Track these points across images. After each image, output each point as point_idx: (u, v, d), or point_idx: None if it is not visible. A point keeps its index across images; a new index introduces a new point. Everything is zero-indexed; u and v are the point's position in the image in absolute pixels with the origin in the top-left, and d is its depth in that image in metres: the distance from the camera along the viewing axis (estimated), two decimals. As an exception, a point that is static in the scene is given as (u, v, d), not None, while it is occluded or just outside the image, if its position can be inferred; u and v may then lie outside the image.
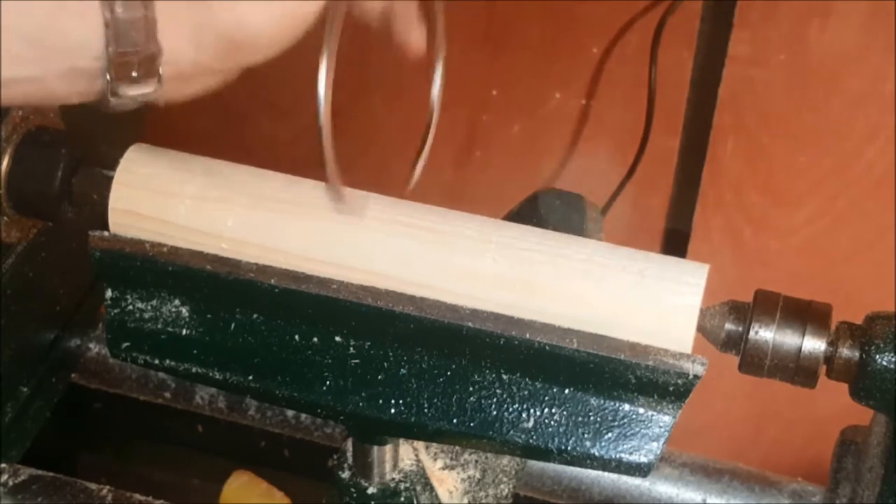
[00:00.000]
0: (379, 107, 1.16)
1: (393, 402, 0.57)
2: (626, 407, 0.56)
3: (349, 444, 0.64)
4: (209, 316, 0.59)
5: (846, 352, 0.57)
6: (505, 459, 0.71)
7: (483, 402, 0.57)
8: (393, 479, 0.64)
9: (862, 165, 1.06)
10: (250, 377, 0.58)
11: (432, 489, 0.67)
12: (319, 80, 0.50)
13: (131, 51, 0.47)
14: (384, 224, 0.56)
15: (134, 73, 0.47)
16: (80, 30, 0.46)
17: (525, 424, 0.56)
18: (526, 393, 0.56)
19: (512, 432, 0.56)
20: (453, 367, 0.57)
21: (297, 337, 0.58)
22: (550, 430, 0.56)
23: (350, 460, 0.64)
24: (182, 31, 0.48)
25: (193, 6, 0.48)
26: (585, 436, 0.56)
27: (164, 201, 0.57)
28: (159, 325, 0.59)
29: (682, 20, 1.02)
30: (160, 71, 0.48)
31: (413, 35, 0.58)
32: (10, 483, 0.73)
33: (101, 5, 0.46)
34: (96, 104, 0.49)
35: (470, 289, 0.55)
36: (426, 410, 0.57)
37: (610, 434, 0.56)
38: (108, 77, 0.47)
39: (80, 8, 0.46)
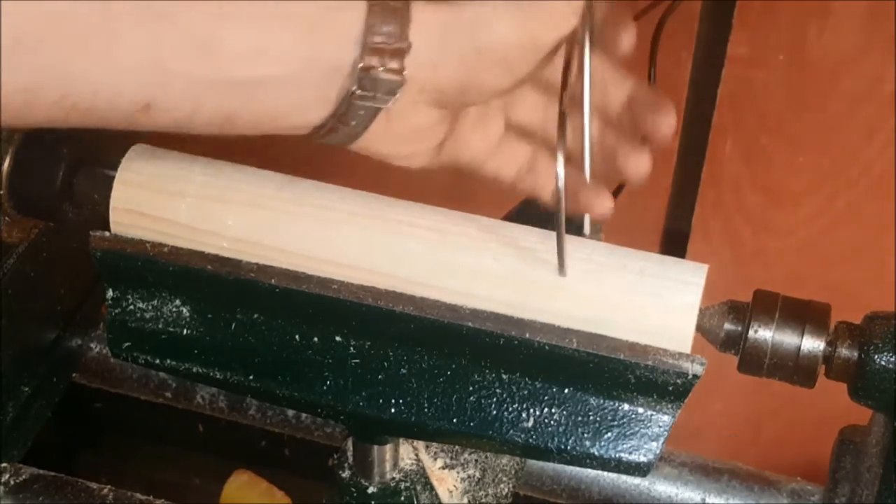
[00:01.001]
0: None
1: (393, 401, 0.57)
2: (626, 406, 0.56)
3: (349, 444, 0.64)
4: (210, 316, 0.59)
5: (845, 351, 0.58)
6: (504, 459, 0.71)
7: (483, 401, 0.57)
8: (393, 478, 0.64)
9: (861, 165, 1.06)
10: (251, 377, 0.59)
11: (432, 488, 0.67)
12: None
13: (385, 42, 0.49)
14: (385, 223, 0.56)
15: (382, 66, 0.49)
16: (346, 21, 0.49)
17: (525, 424, 0.56)
18: (526, 393, 0.56)
19: (512, 432, 0.57)
20: (453, 366, 0.57)
21: (297, 337, 0.58)
22: (550, 429, 0.56)
23: (350, 460, 0.64)
24: (432, 32, 0.50)
25: (449, 11, 0.50)
26: (585, 435, 0.56)
27: (165, 200, 0.58)
28: (160, 325, 0.59)
29: (680, 21, 1.02)
30: (405, 69, 0.50)
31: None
32: (12, 482, 0.73)
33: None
34: (333, 123, 0.52)
35: (470, 287, 0.55)
36: (426, 410, 0.57)
37: (609, 433, 0.56)
38: (360, 66, 0.49)
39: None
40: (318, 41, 0.49)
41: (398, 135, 0.54)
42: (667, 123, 0.59)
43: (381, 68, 0.49)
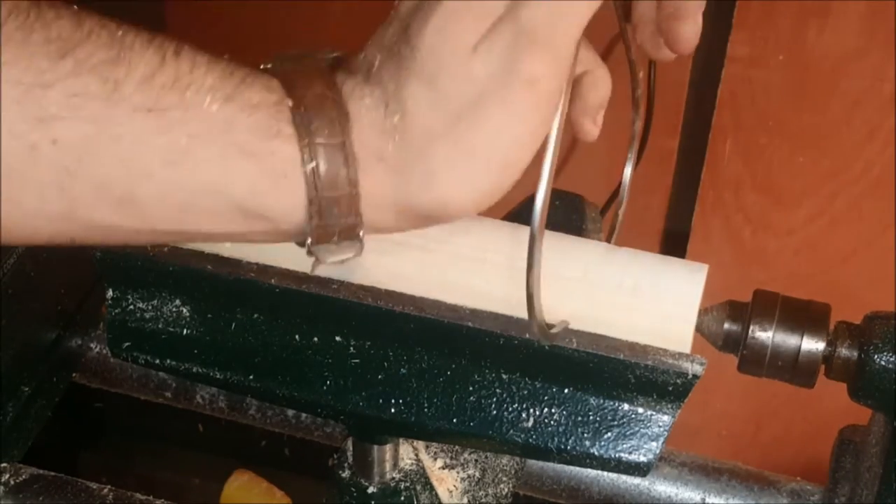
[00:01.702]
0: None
1: (393, 401, 0.57)
2: (626, 406, 0.56)
3: (349, 444, 0.64)
4: (210, 316, 0.59)
5: (845, 351, 0.58)
6: (504, 459, 0.71)
7: (483, 401, 0.57)
8: (393, 478, 0.64)
9: (861, 165, 1.06)
10: (251, 377, 0.59)
11: (432, 488, 0.67)
12: (535, 213, 0.47)
13: (332, 223, 0.46)
14: (377, 243, 0.56)
15: (334, 240, 0.46)
16: (285, 201, 0.45)
17: (525, 424, 0.56)
18: (525, 392, 0.56)
19: (511, 432, 0.57)
20: (453, 366, 0.57)
21: (297, 336, 0.58)
22: (550, 429, 0.56)
23: (350, 459, 0.64)
24: (384, 207, 0.46)
25: (396, 186, 0.46)
26: (585, 435, 0.56)
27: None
28: (160, 325, 0.59)
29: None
30: (360, 236, 0.47)
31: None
32: (12, 482, 0.73)
33: (305, 185, 0.45)
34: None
35: (470, 286, 0.55)
36: (426, 410, 0.57)
37: (609, 433, 0.56)
38: (308, 241, 0.47)
39: (285, 181, 0.45)
40: (256, 216, 0.46)
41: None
42: (687, 34, 0.56)
43: (334, 239, 0.46)
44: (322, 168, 0.45)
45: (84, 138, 0.43)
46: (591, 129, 0.58)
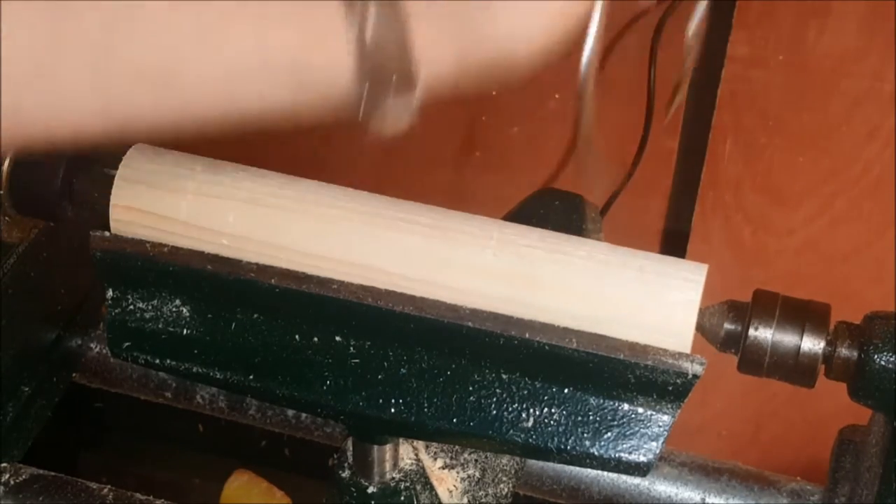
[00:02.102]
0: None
1: (393, 401, 0.57)
2: (626, 406, 0.56)
3: (349, 444, 0.64)
4: (210, 316, 0.59)
5: (845, 351, 0.58)
6: (504, 459, 0.71)
7: (483, 401, 0.57)
8: (393, 478, 0.64)
9: (861, 165, 1.06)
10: (251, 377, 0.59)
11: (432, 488, 0.67)
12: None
13: (385, 73, 0.43)
14: (385, 220, 0.56)
15: (392, 89, 0.44)
16: (330, 64, 0.43)
17: (524, 424, 0.56)
18: (526, 392, 0.56)
19: (511, 432, 0.57)
20: (453, 366, 0.57)
21: (297, 336, 0.58)
22: (550, 429, 0.56)
23: (350, 459, 0.64)
24: (442, 54, 0.44)
25: (454, 20, 0.43)
26: (585, 435, 0.56)
27: (165, 197, 0.58)
28: (160, 325, 0.59)
29: (681, 21, 1.02)
30: (417, 87, 0.44)
31: None
32: (12, 482, 0.73)
33: (355, 24, 0.43)
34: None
35: (471, 284, 0.55)
36: (426, 410, 0.57)
37: (609, 433, 0.56)
38: (364, 90, 0.44)
39: (326, 40, 0.43)
40: (305, 84, 0.44)
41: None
42: None
43: (391, 92, 0.44)
44: (371, 11, 0.42)
45: (112, 20, 0.41)
46: None
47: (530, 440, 0.56)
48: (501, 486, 0.71)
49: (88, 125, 0.44)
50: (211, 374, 0.59)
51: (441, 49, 0.44)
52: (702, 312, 0.56)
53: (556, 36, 0.46)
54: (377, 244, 0.56)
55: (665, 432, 0.56)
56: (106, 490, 0.73)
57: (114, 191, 0.58)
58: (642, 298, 0.54)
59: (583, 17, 0.46)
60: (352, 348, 0.57)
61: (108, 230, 0.59)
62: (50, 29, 0.41)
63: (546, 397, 0.56)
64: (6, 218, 0.64)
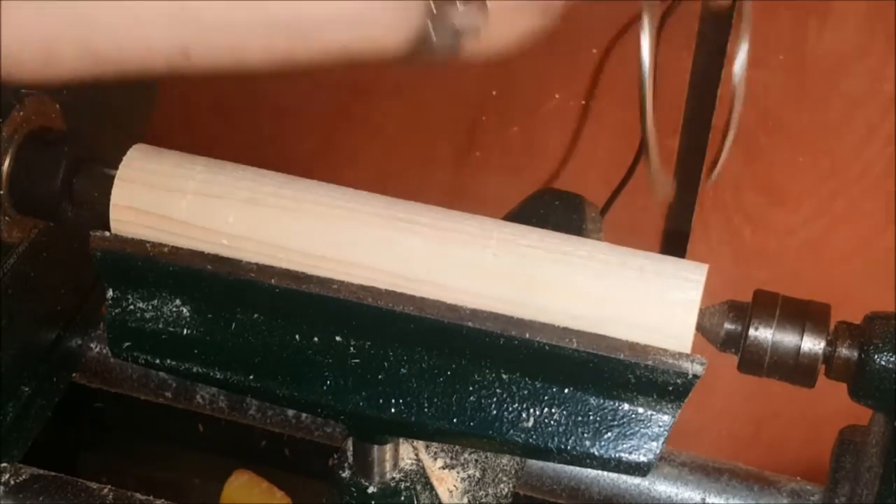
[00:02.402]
0: (379, 106, 1.16)
1: (393, 401, 0.57)
2: (626, 406, 0.56)
3: (349, 444, 0.64)
4: (210, 316, 0.59)
5: (845, 351, 0.58)
6: (505, 458, 0.71)
7: (483, 401, 0.57)
8: (393, 478, 0.64)
9: (860, 165, 1.06)
10: (251, 377, 0.59)
11: (432, 488, 0.67)
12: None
13: None
14: (385, 220, 0.56)
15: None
16: None
17: (525, 424, 0.56)
18: (526, 392, 0.56)
19: (512, 432, 0.57)
20: (453, 366, 0.57)
21: (297, 337, 0.58)
22: (550, 429, 0.56)
23: (350, 459, 0.64)
24: None
25: None
26: (585, 435, 0.56)
27: (165, 197, 0.58)
28: (160, 325, 0.59)
29: (681, 20, 1.02)
30: None
31: None
32: (12, 482, 0.73)
33: None
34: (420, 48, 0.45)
35: (471, 284, 0.55)
36: (426, 410, 0.57)
37: (609, 433, 0.56)
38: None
39: None
40: None
41: (491, 45, 0.48)
42: None
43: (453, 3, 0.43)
44: None
45: None
46: None
47: (530, 440, 0.56)
48: (501, 486, 0.71)
49: (159, 40, 0.43)
50: (211, 374, 0.59)
51: None
52: (702, 312, 0.56)
53: None
54: (377, 244, 0.56)
55: (665, 432, 0.56)
56: (106, 490, 0.73)
57: (114, 191, 0.58)
58: (642, 298, 0.54)
59: None
60: (352, 348, 0.57)
61: (108, 230, 0.59)
62: None
63: (546, 397, 0.56)
64: (6, 218, 0.64)
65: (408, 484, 0.65)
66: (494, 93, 1.12)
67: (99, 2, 0.41)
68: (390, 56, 0.46)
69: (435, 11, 0.44)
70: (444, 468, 0.68)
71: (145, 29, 0.42)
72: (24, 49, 0.42)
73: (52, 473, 0.75)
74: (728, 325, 0.58)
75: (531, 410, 0.56)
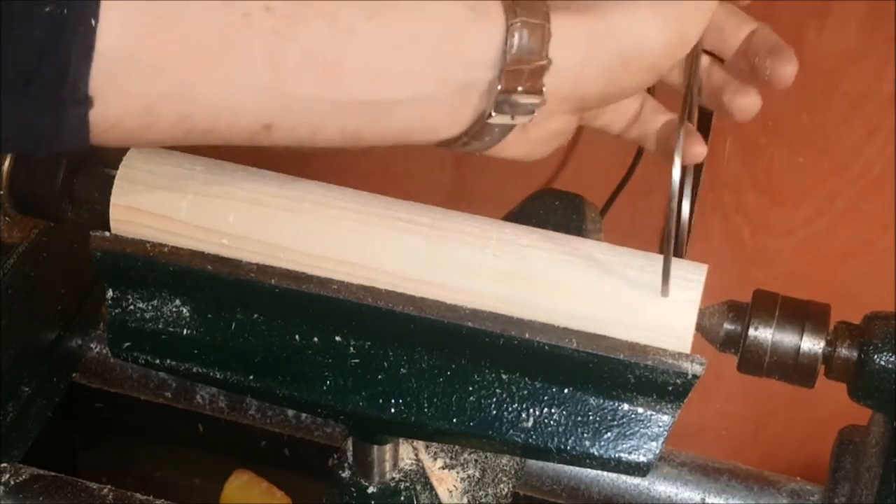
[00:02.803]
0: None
1: (393, 401, 0.57)
2: (626, 406, 0.56)
3: (349, 444, 0.64)
4: (210, 316, 0.59)
5: (844, 351, 0.58)
6: (504, 459, 0.71)
7: (483, 401, 0.57)
8: (393, 478, 0.64)
9: (860, 166, 1.06)
10: (251, 377, 0.59)
11: (432, 488, 0.67)
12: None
13: (525, 60, 0.46)
14: (385, 220, 0.56)
15: (520, 87, 0.47)
16: (481, 39, 0.46)
17: (524, 424, 0.56)
18: (525, 392, 0.56)
19: (511, 432, 0.57)
20: (453, 366, 0.57)
21: (297, 336, 0.58)
22: (550, 429, 0.56)
23: (350, 459, 0.64)
24: (575, 44, 0.47)
25: (592, 21, 0.47)
26: (584, 435, 0.56)
27: (165, 197, 0.58)
28: (160, 325, 0.59)
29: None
30: (544, 87, 0.47)
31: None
32: (12, 482, 0.73)
33: (504, 12, 0.46)
34: (465, 139, 0.50)
35: (470, 284, 0.55)
36: (426, 410, 0.57)
37: (609, 433, 0.56)
38: (497, 88, 0.47)
39: (484, 16, 0.46)
40: (450, 63, 0.46)
41: (533, 140, 0.52)
42: (787, 69, 0.55)
43: (520, 89, 0.47)
44: (519, 6, 0.46)
45: (293, 1, 0.43)
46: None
47: (530, 440, 0.56)
48: (501, 486, 0.71)
49: (248, 112, 0.45)
50: (211, 374, 0.59)
51: (572, 41, 0.48)
52: (702, 312, 0.56)
53: (675, 52, 0.50)
54: (377, 245, 0.56)
55: (665, 432, 0.56)
56: (106, 490, 0.73)
57: (114, 190, 0.58)
58: (642, 299, 0.54)
59: (704, 26, 0.51)
60: (352, 348, 0.57)
61: (108, 230, 0.59)
62: (239, 10, 0.43)
63: (546, 397, 0.56)
64: (6, 218, 0.64)
65: (408, 484, 0.65)
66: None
67: (201, 72, 0.43)
68: (442, 139, 0.50)
69: (499, 97, 0.47)
70: (444, 468, 0.69)
71: (238, 100, 0.44)
72: (125, 115, 0.43)
73: (52, 473, 0.75)
74: (728, 325, 0.58)
75: (531, 410, 0.56)
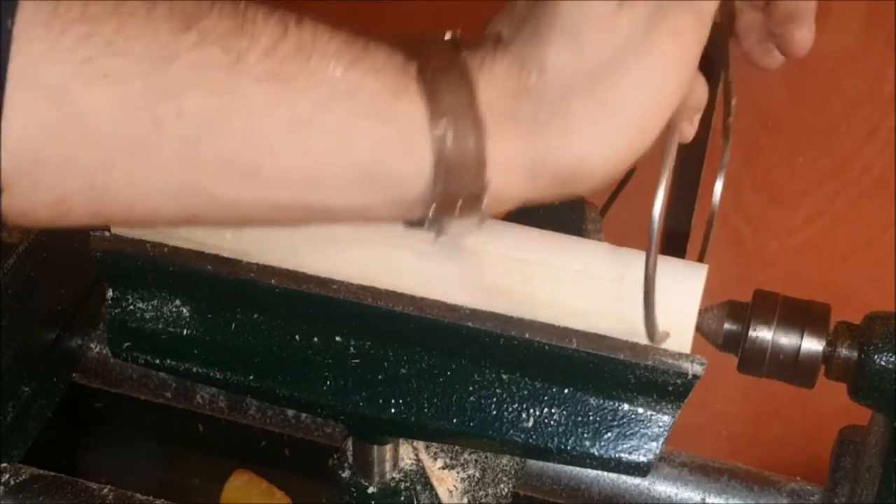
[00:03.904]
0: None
1: (393, 401, 0.57)
2: (626, 406, 0.56)
3: (349, 444, 0.64)
4: (210, 316, 0.59)
5: (845, 352, 0.58)
6: (504, 459, 0.71)
7: (483, 401, 0.57)
8: (393, 478, 0.64)
9: (860, 165, 1.06)
10: (251, 377, 0.59)
11: (432, 488, 0.67)
12: (654, 208, 0.47)
13: (457, 189, 0.45)
14: (383, 237, 0.56)
15: (457, 209, 0.45)
16: (410, 166, 0.44)
17: (525, 424, 0.56)
18: (526, 393, 0.56)
19: (511, 432, 0.57)
20: (453, 366, 0.57)
21: (297, 337, 0.58)
22: (550, 429, 0.56)
23: (350, 459, 0.64)
24: (514, 171, 0.45)
25: (531, 147, 0.45)
26: (585, 435, 0.56)
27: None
28: (160, 325, 0.59)
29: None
30: (483, 206, 0.46)
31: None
32: (12, 482, 0.73)
33: (432, 147, 0.44)
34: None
35: (468, 301, 0.55)
36: (426, 410, 0.57)
37: (609, 434, 0.56)
38: (430, 211, 0.46)
39: (412, 144, 0.44)
40: (380, 186, 0.45)
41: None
42: (803, 38, 0.55)
43: (456, 213, 0.45)
44: (449, 132, 0.44)
45: (208, 110, 0.42)
46: (689, 130, 0.57)
47: (530, 440, 0.56)
48: (501, 486, 0.71)
49: (168, 207, 0.44)
50: (211, 374, 0.59)
51: (511, 168, 0.45)
52: (702, 313, 0.56)
53: (621, 166, 0.47)
54: (374, 262, 0.55)
55: (665, 432, 0.56)
56: (106, 490, 0.73)
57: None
58: (642, 299, 0.54)
59: (661, 132, 0.48)
60: (352, 348, 0.57)
61: (108, 230, 0.58)
62: (150, 113, 0.42)
63: (546, 397, 0.56)
64: (6, 218, 0.64)
65: (408, 484, 0.65)
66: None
67: (111, 172, 0.43)
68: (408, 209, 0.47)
69: (432, 222, 0.46)
70: (444, 468, 0.68)
71: (154, 199, 0.44)
72: (36, 207, 0.43)
73: (52, 473, 0.75)
74: (728, 326, 0.58)
75: (531, 410, 0.56)
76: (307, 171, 0.44)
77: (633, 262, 0.55)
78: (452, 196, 0.45)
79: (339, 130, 0.44)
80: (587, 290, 0.54)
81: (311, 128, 0.43)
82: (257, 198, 0.45)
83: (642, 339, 0.54)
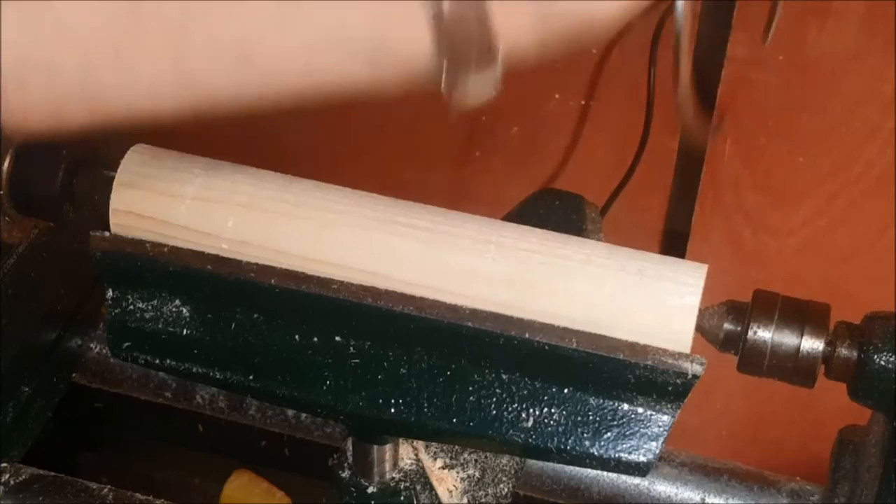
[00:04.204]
0: (379, 107, 1.16)
1: (393, 401, 0.57)
2: (625, 406, 0.56)
3: (349, 444, 0.64)
4: (210, 316, 0.59)
5: (845, 351, 0.58)
6: (504, 459, 0.71)
7: (483, 401, 0.57)
8: (393, 478, 0.64)
9: (861, 166, 1.06)
10: (251, 377, 0.59)
11: (432, 488, 0.67)
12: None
13: (465, 48, 0.43)
14: (383, 224, 0.56)
15: (471, 59, 0.44)
16: (409, 40, 0.44)
17: (524, 424, 0.56)
18: (525, 392, 0.56)
19: (511, 432, 0.57)
20: (453, 366, 0.57)
21: (297, 337, 0.58)
22: (550, 429, 0.56)
23: (350, 459, 0.64)
24: (522, 24, 0.44)
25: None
26: (584, 435, 0.56)
27: (164, 202, 0.58)
28: (160, 325, 0.59)
29: (681, 21, 1.02)
30: (498, 59, 0.45)
31: None
32: (12, 482, 0.73)
33: (425, 9, 0.43)
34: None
35: (469, 289, 0.55)
36: (426, 410, 0.57)
37: (609, 433, 0.56)
38: (444, 72, 0.44)
39: (404, 17, 0.43)
40: (384, 65, 0.44)
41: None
42: None
43: (472, 67, 0.44)
44: None
45: None
46: None
47: (530, 440, 0.56)
48: (501, 486, 0.71)
49: (167, 101, 0.44)
50: (211, 374, 0.59)
51: (521, 18, 0.44)
52: (702, 313, 0.56)
53: (630, 10, 0.46)
54: (375, 250, 0.56)
55: (665, 432, 0.56)
56: (106, 490, 0.73)
57: (112, 196, 0.58)
58: (642, 299, 0.54)
59: None
60: (352, 348, 0.57)
61: (109, 230, 0.59)
62: (128, 7, 0.42)
63: (546, 397, 0.56)
64: (6, 218, 0.64)
65: (407, 484, 0.65)
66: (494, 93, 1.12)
67: (101, 75, 0.43)
68: (416, 76, 0.46)
69: (447, 78, 0.45)
70: (443, 468, 0.68)
71: (153, 97, 0.44)
72: (30, 112, 0.43)
73: (52, 473, 0.74)
74: (728, 326, 0.58)
75: (531, 410, 0.56)
76: (305, 49, 0.44)
77: (634, 258, 0.55)
78: (462, 55, 0.44)
79: (333, 1, 0.43)
80: (592, 275, 0.55)
81: (306, 3, 0.43)
82: (257, 79, 0.44)
83: (647, 327, 0.54)
